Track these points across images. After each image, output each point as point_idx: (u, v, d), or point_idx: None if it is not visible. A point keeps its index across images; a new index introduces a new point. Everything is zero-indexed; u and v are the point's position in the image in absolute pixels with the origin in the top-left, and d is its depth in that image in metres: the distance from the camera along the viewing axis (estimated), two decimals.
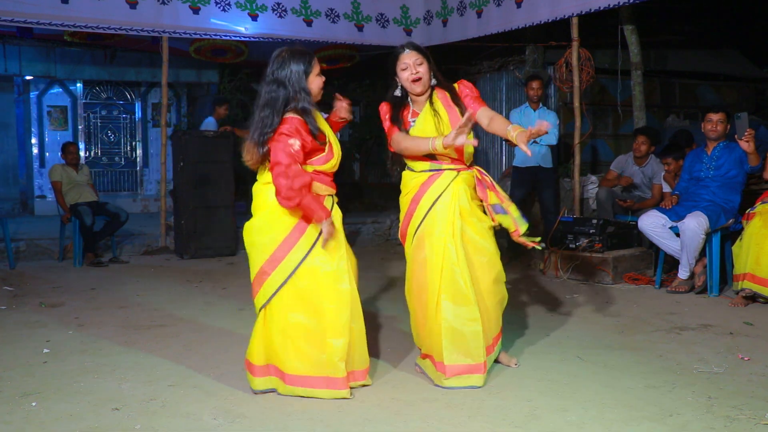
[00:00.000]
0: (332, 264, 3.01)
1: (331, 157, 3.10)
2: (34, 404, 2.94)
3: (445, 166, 3.28)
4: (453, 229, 3.21)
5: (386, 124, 3.36)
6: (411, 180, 3.35)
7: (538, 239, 3.32)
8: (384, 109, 3.39)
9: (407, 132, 3.29)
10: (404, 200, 3.38)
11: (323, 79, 3.08)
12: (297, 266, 2.98)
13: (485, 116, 3.26)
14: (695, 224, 5.03)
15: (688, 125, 7.94)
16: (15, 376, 3.33)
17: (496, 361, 3.42)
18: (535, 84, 6.76)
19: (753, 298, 4.78)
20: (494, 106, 9.19)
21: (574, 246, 5.93)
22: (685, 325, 4.24)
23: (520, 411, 2.83)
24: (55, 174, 7.10)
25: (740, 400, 2.91)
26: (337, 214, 3.11)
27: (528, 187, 6.82)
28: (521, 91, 8.37)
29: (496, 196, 3.32)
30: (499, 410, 2.84)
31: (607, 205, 6.44)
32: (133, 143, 11.75)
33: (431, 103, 3.32)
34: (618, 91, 7.76)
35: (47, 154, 11.11)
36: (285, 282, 2.98)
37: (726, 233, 5.26)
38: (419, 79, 3.23)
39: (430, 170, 3.30)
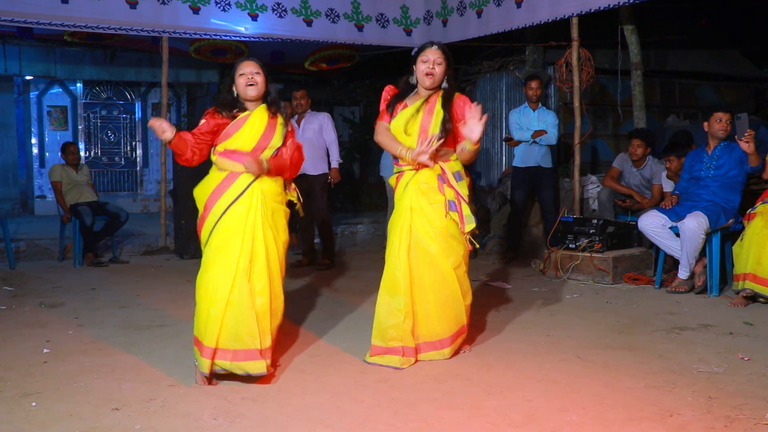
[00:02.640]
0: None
1: (231, 134, 3.31)
2: (34, 404, 2.94)
3: (405, 168, 3.57)
4: (402, 227, 3.49)
5: (381, 106, 3.66)
6: (392, 177, 3.69)
7: (476, 245, 3.63)
8: (387, 91, 3.67)
9: (392, 119, 3.58)
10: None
11: (245, 78, 3.39)
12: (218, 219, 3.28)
13: (458, 148, 3.56)
14: (695, 224, 5.03)
15: (688, 125, 7.93)
16: (15, 376, 3.33)
17: None
18: (534, 84, 6.76)
19: (753, 298, 4.77)
20: (494, 106, 9.19)
21: (574, 246, 5.93)
22: (685, 325, 4.24)
23: (520, 411, 2.83)
24: (55, 174, 7.10)
25: (740, 400, 2.91)
26: (251, 197, 3.28)
27: (528, 187, 6.83)
28: (521, 91, 8.37)
29: (453, 192, 3.51)
30: (499, 410, 2.84)
31: (608, 205, 6.45)
32: (133, 143, 11.76)
33: (425, 102, 3.55)
34: (618, 91, 7.76)
35: (47, 154, 11.12)
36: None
37: (726, 233, 5.25)
38: (432, 75, 3.49)
39: (398, 171, 3.64)
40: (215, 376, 3.21)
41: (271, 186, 3.34)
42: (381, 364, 3.44)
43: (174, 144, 3.24)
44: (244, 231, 3.21)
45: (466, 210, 3.51)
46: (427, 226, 3.47)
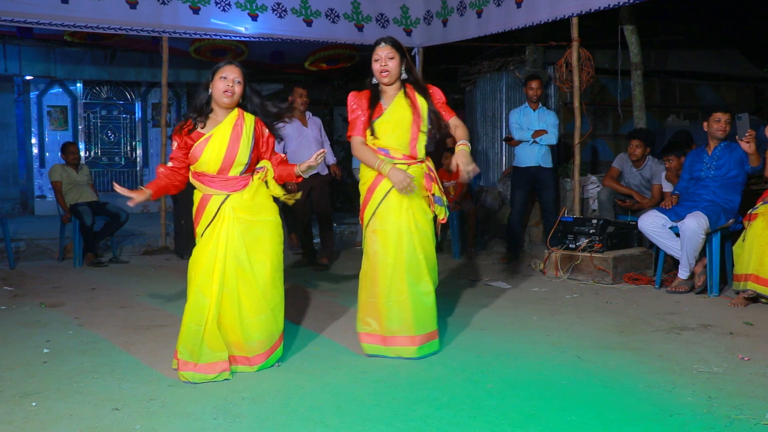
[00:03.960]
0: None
1: (197, 157, 3.31)
2: (34, 404, 2.94)
3: (396, 161, 3.58)
4: (408, 218, 3.53)
5: (352, 115, 3.63)
6: (367, 171, 3.65)
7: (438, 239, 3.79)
8: (353, 98, 3.65)
9: (373, 121, 3.57)
10: (362, 189, 3.69)
11: (225, 84, 3.32)
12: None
13: (452, 124, 3.72)
14: (695, 224, 5.03)
15: (688, 125, 7.93)
16: (15, 376, 3.33)
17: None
18: (534, 84, 6.76)
19: (755, 298, 4.77)
20: (494, 106, 9.19)
21: (574, 246, 5.93)
22: (685, 325, 4.24)
23: (520, 411, 2.83)
24: (55, 174, 7.10)
25: (740, 400, 2.91)
26: (225, 213, 3.31)
27: (528, 187, 6.83)
28: (521, 91, 8.37)
29: (439, 189, 3.70)
30: (499, 410, 2.84)
31: (608, 205, 6.45)
32: (133, 143, 11.76)
33: (405, 94, 3.62)
34: (618, 91, 7.76)
35: (47, 154, 11.12)
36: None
37: (726, 233, 5.25)
38: (387, 72, 3.56)
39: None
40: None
41: (241, 201, 3.33)
42: (428, 353, 3.57)
43: (156, 196, 3.36)
44: (215, 254, 3.27)
45: (446, 201, 3.75)
46: (425, 218, 3.61)
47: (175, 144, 3.39)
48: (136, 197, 3.27)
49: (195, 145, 3.32)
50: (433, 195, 3.66)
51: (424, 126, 3.62)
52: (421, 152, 3.65)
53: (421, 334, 3.54)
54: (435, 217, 3.70)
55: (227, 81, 3.31)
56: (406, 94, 3.63)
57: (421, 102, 3.63)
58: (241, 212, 3.31)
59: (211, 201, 3.32)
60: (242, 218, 3.31)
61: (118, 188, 3.30)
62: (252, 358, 3.34)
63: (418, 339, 3.54)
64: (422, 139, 3.62)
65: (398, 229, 3.53)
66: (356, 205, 4.08)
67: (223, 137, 3.31)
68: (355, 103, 3.63)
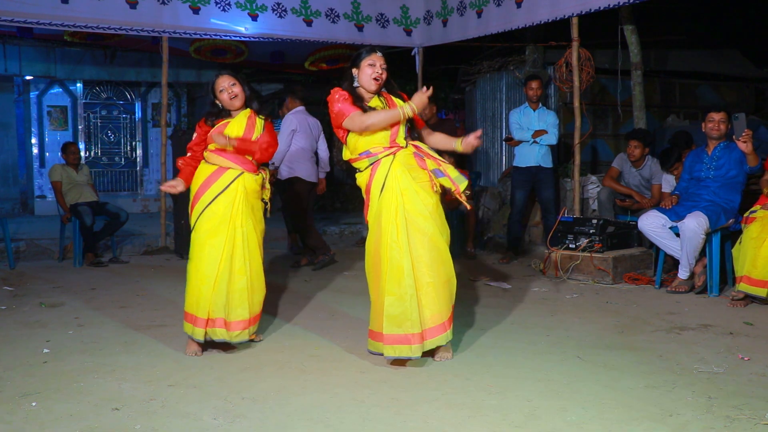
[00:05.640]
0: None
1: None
2: (34, 404, 2.94)
3: (381, 155, 3.54)
4: (396, 211, 3.45)
5: (340, 105, 3.56)
6: (360, 176, 3.64)
7: (467, 194, 3.60)
8: (340, 91, 3.61)
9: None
10: (362, 193, 3.67)
11: (227, 94, 3.79)
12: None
13: (426, 132, 3.78)
14: (695, 224, 5.03)
15: (688, 125, 7.93)
16: (15, 376, 3.33)
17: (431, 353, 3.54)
18: (534, 84, 6.76)
19: (744, 300, 4.76)
20: (494, 106, 9.19)
21: (574, 246, 5.93)
22: (685, 325, 4.24)
23: (520, 411, 2.83)
24: (55, 174, 7.10)
25: (740, 400, 2.91)
26: (238, 187, 3.76)
27: (528, 186, 6.83)
28: (521, 91, 8.36)
29: (434, 161, 3.58)
30: (499, 410, 2.84)
31: (608, 205, 6.45)
32: (133, 143, 11.77)
33: (379, 96, 3.63)
34: (618, 91, 7.75)
35: (47, 154, 11.13)
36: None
37: (726, 233, 5.25)
38: (379, 80, 3.57)
39: (370, 164, 3.57)
40: (207, 345, 3.72)
41: (251, 184, 3.80)
42: (393, 355, 3.38)
43: (187, 184, 3.83)
44: (229, 221, 3.70)
45: (453, 172, 3.57)
46: (420, 206, 3.47)
47: (195, 135, 3.86)
48: (177, 186, 3.81)
49: (216, 127, 3.78)
50: (432, 170, 3.53)
51: (403, 120, 3.58)
52: (401, 142, 3.57)
53: (389, 333, 3.39)
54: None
55: (227, 91, 3.78)
56: (380, 96, 3.62)
57: (398, 102, 3.61)
58: (250, 194, 3.80)
59: (225, 174, 3.74)
60: (249, 199, 3.80)
61: (164, 188, 3.84)
62: (231, 323, 3.69)
63: (386, 338, 3.39)
64: (401, 132, 3.56)
65: (389, 224, 3.44)
66: (356, 205, 4.08)
67: (240, 123, 3.83)
68: (341, 96, 3.58)
